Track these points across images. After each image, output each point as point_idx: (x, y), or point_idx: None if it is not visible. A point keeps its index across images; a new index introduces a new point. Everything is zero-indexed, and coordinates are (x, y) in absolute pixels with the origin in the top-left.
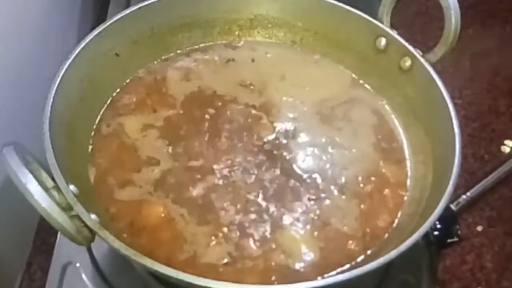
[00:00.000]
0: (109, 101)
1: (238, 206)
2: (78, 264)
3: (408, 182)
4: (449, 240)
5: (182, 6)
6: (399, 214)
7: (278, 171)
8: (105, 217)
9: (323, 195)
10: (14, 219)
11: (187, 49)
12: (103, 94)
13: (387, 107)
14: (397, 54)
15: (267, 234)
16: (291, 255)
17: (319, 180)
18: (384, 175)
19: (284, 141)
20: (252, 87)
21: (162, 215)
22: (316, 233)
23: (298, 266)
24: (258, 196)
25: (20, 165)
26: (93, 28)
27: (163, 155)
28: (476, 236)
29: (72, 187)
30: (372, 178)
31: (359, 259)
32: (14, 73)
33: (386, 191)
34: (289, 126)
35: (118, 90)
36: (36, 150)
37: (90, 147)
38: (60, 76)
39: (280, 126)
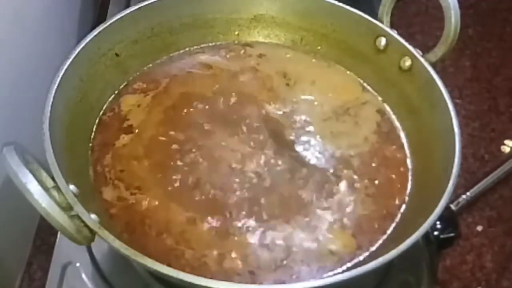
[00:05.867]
0: (109, 101)
1: (247, 205)
2: (78, 264)
3: (409, 180)
4: (447, 235)
5: (182, 6)
6: (406, 198)
7: (287, 160)
8: (105, 217)
9: (336, 182)
10: (14, 219)
11: (187, 49)
12: (103, 94)
13: (387, 107)
14: (397, 54)
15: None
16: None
17: (328, 167)
18: (386, 173)
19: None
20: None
21: (163, 213)
22: (343, 223)
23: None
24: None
25: (20, 165)
26: (93, 28)
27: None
28: (476, 236)
29: (72, 187)
30: (376, 175)
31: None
32: (14, 73)
33: (393, 176)
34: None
35: (118, 91)
36: (36, 150)
37: (90, 146)
38: (60, 76)
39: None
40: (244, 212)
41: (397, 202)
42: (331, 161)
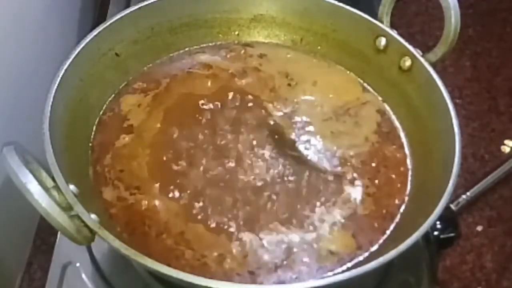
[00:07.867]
0: (109, 101)
1: (248, 205)
2: (78, 264)
3: (409, 180)
4: (448, 235)
5: (182, 6)
6: (406, 198)
7: (290, 161)
8: (105, 217)
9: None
10: (14, 219)
11: (187, 49)
12: (103, 94)
13: (387, 107)
14: (397, 54)
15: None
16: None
17: (328, 166)
18: (386, 173)
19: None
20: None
21: (163, 213)
22: (344, 223)
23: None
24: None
25: (20, 165)
26: (93, 28)
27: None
28: (476, 236)
29: (72, 187)
30: (376, 175)
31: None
32: (14, 73)
33: (393, 176)
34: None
35: (118, 90)
36: (36, 150)
37: (90, 146)
38: (60, 76)
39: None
40: (244, 212)
41: (397, 202)
42: (332, 161)
